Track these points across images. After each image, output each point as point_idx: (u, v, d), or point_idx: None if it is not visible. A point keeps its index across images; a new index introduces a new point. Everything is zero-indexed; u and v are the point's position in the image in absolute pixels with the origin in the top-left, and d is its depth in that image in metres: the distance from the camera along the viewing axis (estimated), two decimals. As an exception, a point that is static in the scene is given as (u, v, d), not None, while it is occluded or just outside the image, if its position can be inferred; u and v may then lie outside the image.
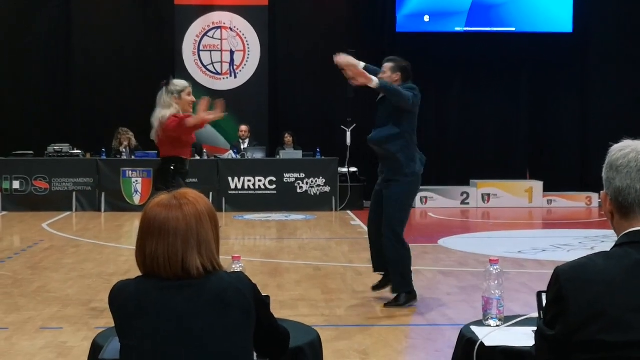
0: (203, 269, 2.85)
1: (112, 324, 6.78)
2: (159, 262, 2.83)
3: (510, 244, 12.28)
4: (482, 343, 3.34)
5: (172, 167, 8.30)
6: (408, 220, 8.56)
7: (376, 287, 8.51)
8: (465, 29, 18.25)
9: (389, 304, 8.10)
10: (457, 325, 7.35)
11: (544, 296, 3.14)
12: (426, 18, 18.15)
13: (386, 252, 8.16)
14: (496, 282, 3.63)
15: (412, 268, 8.33)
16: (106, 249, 12.04)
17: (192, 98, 8.31)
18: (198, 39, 17.96)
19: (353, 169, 16.90)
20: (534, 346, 2.83)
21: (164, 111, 8.14)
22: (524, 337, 3.35)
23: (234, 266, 3.48)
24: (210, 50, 18.03)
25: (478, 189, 17.50)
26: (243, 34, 18.00)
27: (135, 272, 8.39)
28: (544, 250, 11.56)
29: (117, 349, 3.10)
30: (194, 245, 2.84)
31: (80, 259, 10.99)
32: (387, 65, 8.39)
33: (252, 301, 2.89)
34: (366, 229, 13.81)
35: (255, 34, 17.98)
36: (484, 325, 3.58)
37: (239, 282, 2.91)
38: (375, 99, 8.58)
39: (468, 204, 17.40)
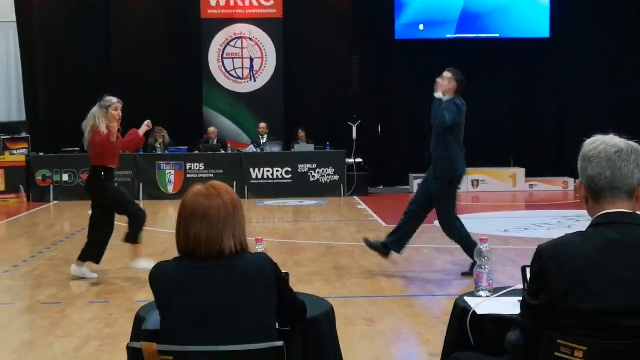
0: (234, 250, 2.87)
1: (152, 299, 6.81)
2: (201, 243, 2.85)
3: (497, 223, 12.28)
4: (474, 312, 3.34)
5: (102, 175, 8.36)
6: (454, 206, 8.73)
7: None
8: (456, 35, 18.18)
9: (466, 274, 8.08)
10: (451, 295, 7.36)
11: (528, 270, 3.14)
12: (421, 27, 18.09)
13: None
14: (486, 258, 3.64)
15: (413, 246, 8.31)
16: (144, 232, 12.02)
17: (118, 113, 8.37)
18: (222, 48, 17.93)
19: (358, 160, 16.87)
20: (520, 314, 2.84)
21: (94, 122, 8.21)
22: (511, 306, 3.35)
23: (257, 247, 3.49)
24: (233, 58, 17.99)
25: (468, 175, 17.37)
26: (261, 43, 17.96)
27: (170, 254, 8.43)
28: (526, 229, 11.55)
29: (158, 320, 3.12)
30: (231, 229, 2.87)
31: (121, 242, 10.98)
32: (448, 75, 8.39)
33: (273, 278, 2.91)
34: (371, 212, 13.93)
35: (272, 43, 17.94)
36: (476, 296, 3.58)
37: (261, 261, 2.93)
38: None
39: (460, 188, 17.23)
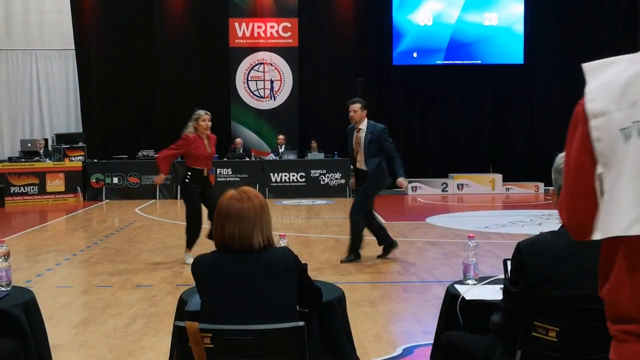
0: (262, 245, 2.89)
1: (191, 284, 6.85)
2: (235, 239, 2.87)
3: (478, 221, 12.26)
4: (463, 297, 3.35)
5: (189, 174, 8.38)
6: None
7: (380, 256, 8.55)
8: (444, 62, 18.17)
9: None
10: (441, 282, 7.37)
11: (508, 263, 3.14)
12: (415, 54, 18.09)
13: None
14: (473, 252, 3.64)
15: (408, 240, 8.30)
16: (182, 226, 11.97)
17: (205, 123, 8.38)
18: (247, 72, 17.96)
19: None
20: (502, 299, 2.85)
21: (185, 130, 8.31)
22: (494, 293, 3.35)
23: (280, 242, 3.50)
24: (256, 80, 18.02)
25: (454, 180, 17.42)
26: (280, 68, 17.98)
27: (202, 245, 8.48)
28: (503, 226, 11.52)
29: (197, 303, 3.13)
30: (259, 227, 2.89)
31: (163, 235, 11.02)
32: (357, 106, 8.31)
33: (294, 267, 2.92)
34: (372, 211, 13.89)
35: (289, 68, 17.96)
36: (464, 284, 3.58)
37: (285, 254, 2.94)
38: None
39: (447, 191, 17.32)
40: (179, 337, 2.65)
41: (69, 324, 5.89)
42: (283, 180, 16.47)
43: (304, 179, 16.46)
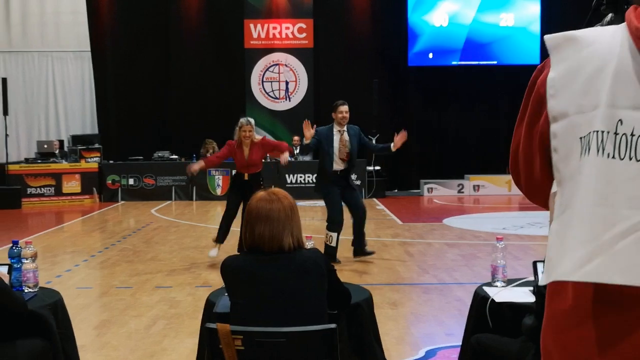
0: (292, 246, 2.88)
1: (208, 284, 6.85)
2: (265, 240, 2.86)
3: (496, 222, 12.19)
4: (492, 299, 3.32)
5: (233, 176, 8.62)
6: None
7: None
8: (460, 62, 18.11)
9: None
10: (461, 283, 7.34)
11: (538, 265, 3.12)
12: (430, 55, 18.03)
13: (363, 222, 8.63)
14: (501, 254, 3.61)
15: (425, 241, 8.27)
16: (199, 228, 12.07)
17: (245, 134, 8.47)
18: (262, 73, 17.96)
19: (377, 168, 16.85)
20: (535, 302, 2.82)
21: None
22: (523, 295, 3.33)
23: (307, 243, 3.49)
24: (271, 81, 18.02)
25: (470, 181, 17.37)
26: (295, 69, 17.98)
27: (222, 246, 8.43)
28: (522, 227, 11.46)
29: (226, 304, 3.12)
30: (289, 229, 2.88)
31: (180, 236, 11.03)
32: (346, 107, 8.53)
33: (324, 269, 2.91)
34: (388, 212, 13.87)
35: (304, 69, 17.96)
36: (493, 286, 3.55)
37: (315, 255, 2.93)
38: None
39: (463, 192, 17.27)
40: (210, 339, 2.64)
41: (89, 325, 5.90)
42: (298, 181, 16.46)
43: (319, 180, 16.40)
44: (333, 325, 2.62)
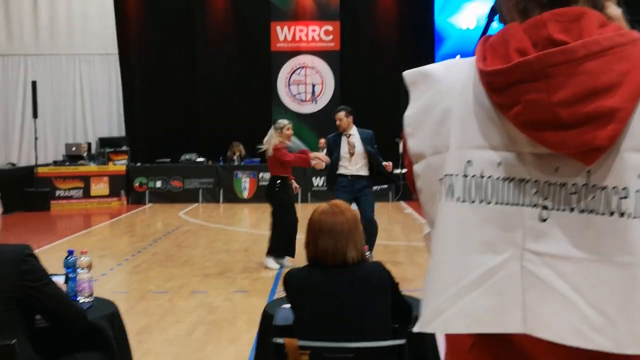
0: (356, 259, 2.85)
1: (244, 290, 6.82)
2: (328, 253, 2.83)
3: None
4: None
5: (278, 183, 8.40)
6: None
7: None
8: (487, 65, 18.01)
9: None
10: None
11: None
12: (457, 57, 17.88)
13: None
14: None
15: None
16: (228, 231, 12.09)
17: (290, 132, 8.45)
18: (288, 76, 17.97)
19: (404, 171, 16.74)
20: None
21: (271, 141, 8.35)
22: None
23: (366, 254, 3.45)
24: (297, 84, 18.02)
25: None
26: (321, 71, 17.96)
27: (252, 250, 8.48)
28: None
29: (285, 316, 3.10)
30: (353, 242, 2.85)
31: (210, 239, 11.03)
32: (341, 114, 8.40)
33: (388, 283, 2.88)
34: (417, 215, 13.79)
35: (330, 71, 17.94)
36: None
37: (379, 269, 2.90)
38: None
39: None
40: (277, 353, 2.61)
41: (130, 331, 5.80)
42: (325, 184, 16.39)
43: (346, 183, 16.37)
44: (402, 341, 2.59)
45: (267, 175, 16.22)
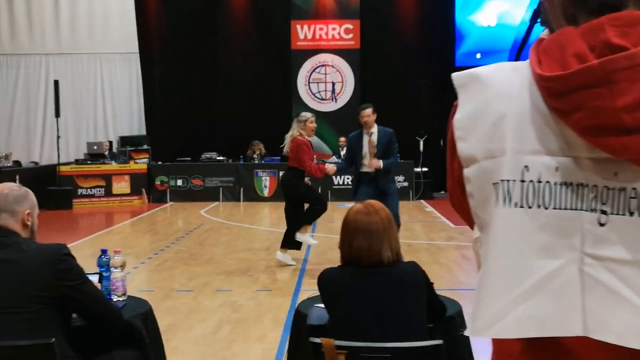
0: (391, 259, 2.85)
1: (268, 289, 6.84)
2: (363, 253, 2.84)
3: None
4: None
5: (295, 175, 8.41)
6: None
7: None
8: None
9: None
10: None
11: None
12: (478, 55, 17.88)
13: None
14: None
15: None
16: (250, 230, 12.12)
17: (314, 125, 8.46)
18: (308, 74, 17.98)
19: (425, 169, 16.76)
20: None
21: (293, 132, 8.36)
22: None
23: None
24: (317, 82, 18.03)
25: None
26: (341, 70, 17.96)
27: (274, 248, 8.48)
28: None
29: (318, 316, 3.11)
30: (388, 241, 2.85)
31: (232, 238, 11.07)
32: (369, 111, 8.41)
33: (423, 283, 2.88)
34: (438, 214, 13.76)
35: (350, 70, 17.94)
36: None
37: (414, 269, 2.90)
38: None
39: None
40: (314, 353, 2.62)
41: (156, 329, 5.93)
42: (345, 182, 16.40)
43: (366, 182, 16.36)
44: (440, 342, 2.58)
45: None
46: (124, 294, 3.49)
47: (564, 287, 1.24)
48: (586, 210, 1.25)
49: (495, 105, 1.31)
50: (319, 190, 15.16)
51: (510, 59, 17.70)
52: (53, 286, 2.76)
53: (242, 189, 16.33)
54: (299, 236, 8.42)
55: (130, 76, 18.85)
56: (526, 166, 1.27)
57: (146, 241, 11.24)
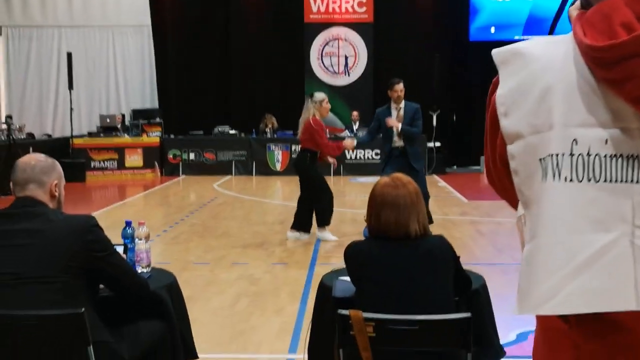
0: (419, 232, 2.85)
1: (284, 262, 6.86)
2: (390, 226, 2.83)
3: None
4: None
5: (308, 156, 8.38)
6: None
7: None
8: (522, 37, 17.76)
9: None
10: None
11: None
12: (492, 29, 17.74)
13: None
14: None
15: (496, 220, 8.14)
16: (263, 204, 12.15)
17: (328, 106, 8.43)
18: (321, 48, 17.89)
19: (437, 144, 16.71)
20: None
21: (309, 112, 8.33)
22: None
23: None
24: (330, 56, 17.94)
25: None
26: (354, 44, 17.86)
27: (288, 222, 8.50)
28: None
29: (343, 288, 3.11)
30: (415, 215, 2.84)
31: (246, 212, 11.09)
32: (402, 85, 8.52)
33: (450, 257, 2.88)
34: (452, 189, 13.73)
35: (363, 43, 17.83)
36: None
37: (441, 243, 2.90)
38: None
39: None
40: (342, 325, 2.63)
41: (174, 301, 5.96)
42: (358, 157, 16.40)
43: (378, 156, 16.30)
44: (468, 314, 2.59)
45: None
46: (148, 265, 3.51)
47: (616, 261, 1.23)
48: (637, 182, 1.24)
49: (540, 80, 1.30)
50: (331, 165, 15.18)
51: (525, 34, 17.57)
52: (82, 257, 2.77)
53: (254, 162, 16.33)
54: (320, 235, 8.46)
55: (142, 49, 18.81)
56: (575, 139, 1.25)
57: (160, 214, 11.28)
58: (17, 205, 2.86)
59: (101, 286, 2.99)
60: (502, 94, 1.35)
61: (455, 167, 17.66)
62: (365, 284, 2.83)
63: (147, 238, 3.50)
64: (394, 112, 8.46)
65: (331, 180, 15.51)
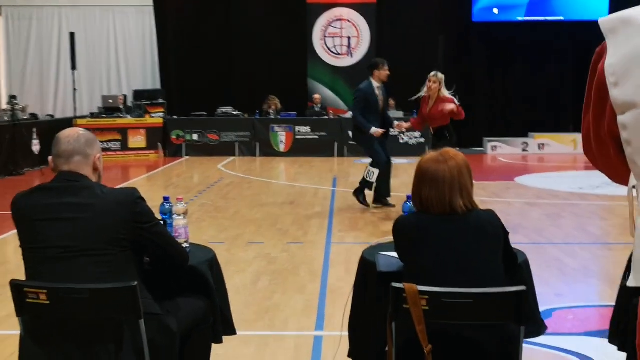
0: (465, 208, 2.84)
1: (299, 241, 6.85)
2: (432, 203, 2.83)
3: (570, 182, 11.98)
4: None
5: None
6: None
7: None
8: (525, 18, 17.73)
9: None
10: (554, 243, 7.28)
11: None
12: (495, 10, 17.68)
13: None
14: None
15: (505, 200, 8.17)
16: (270, 184, 12.12)
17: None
18: (324, 29, 17.80)
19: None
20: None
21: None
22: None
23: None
24: (333, 37, 17.85)
25: (535, 139, 17.16)
26: (357, 24, 17.78)
27: (298, 202, 8.53)
28: (598, 187, 11.21)
29: (389, 263, 3.11)
30: (457, 190, 2.83)
31: (255, 192, 11.06)
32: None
33: (500, 232, 2.87)
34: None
35: (366, 24, 17.75)
36: None
37: (492, 218, 2.89)
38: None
39: (527, 151, 17.08)
40: (396, 298, 2.62)
41: (194, 280, 5.96)
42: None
43: (382, 138, 16.31)
44: (523, 287, 2.59)
45: (303, 129, 16.26)
46: (186, 241, 3.50)
47: None
48: None
49: None
50: (335, 146, 15.17)
51: (527, 14, 17.51)
52: (129, 229, 2.76)
53: (258, 144, 16.29)
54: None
55: (144, 30, 18.68)
56: None
57: (168, 194, 11.21)
58: (62, 179, 2.83)
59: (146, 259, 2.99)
60: (612, 63, 1.31)
61: (458, 149, 17.60)
62: (414, 258, 2.82)
63: (185, 214, 3.48)
64: (377, 91, 9.14)
65: (335, 162, 15.56)
